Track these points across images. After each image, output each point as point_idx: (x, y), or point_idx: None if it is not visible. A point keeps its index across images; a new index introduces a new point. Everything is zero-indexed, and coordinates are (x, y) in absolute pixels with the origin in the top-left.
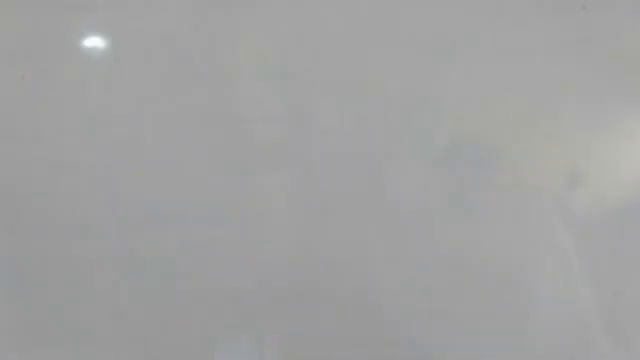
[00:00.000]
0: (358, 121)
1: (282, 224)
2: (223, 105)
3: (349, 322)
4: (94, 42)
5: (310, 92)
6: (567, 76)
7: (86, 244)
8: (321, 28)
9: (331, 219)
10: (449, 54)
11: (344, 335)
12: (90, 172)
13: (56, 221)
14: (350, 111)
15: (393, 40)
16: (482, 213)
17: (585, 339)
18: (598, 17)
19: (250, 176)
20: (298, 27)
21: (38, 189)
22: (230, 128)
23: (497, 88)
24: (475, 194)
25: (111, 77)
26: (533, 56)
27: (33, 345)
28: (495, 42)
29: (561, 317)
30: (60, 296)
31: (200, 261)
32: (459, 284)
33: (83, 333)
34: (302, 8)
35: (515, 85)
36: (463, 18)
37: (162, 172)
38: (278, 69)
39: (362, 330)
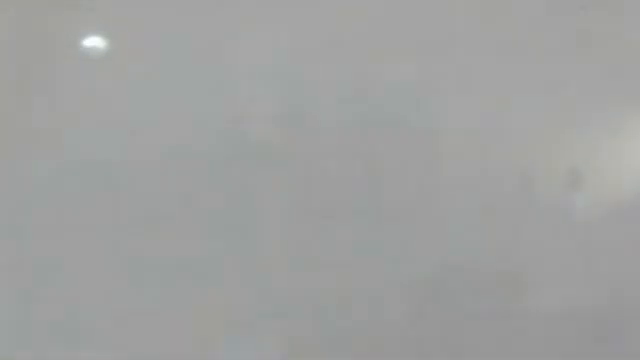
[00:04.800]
0: (357, 120)
1: (281, 223)
2: (223, 105)
3: (348, 322)
4: (94, 42)
5: (310, 92)
6: (567, 76)
7: (86, 243)
8: (321, 28)
9: (330, 219)
10: (449, 54)
11: (343, 335)
12: (90, 171)
13: (56, 220)
14: (350, 111)
15: (392, 40)
16: (482, 213)
17: (585, 338)
18: (598, 17)
19: (250, 175)
20: (298, 27)
21: (38, 188)
22: (230, 128)
23: (497, 87)
24: (475, 194)
25: (111, 77)
26: (533, 56)
27: (35, 344)
28: (495, 42)
29: (561, 316)
30: (61, 296)
31: (199, 260)
32: (460, 284)
33: (83, 333)
34: (303, 8)
35: (515, 84)
36: (463, 18)
37: (161, 171)
38: (278, 69)
39: (361, 330)
